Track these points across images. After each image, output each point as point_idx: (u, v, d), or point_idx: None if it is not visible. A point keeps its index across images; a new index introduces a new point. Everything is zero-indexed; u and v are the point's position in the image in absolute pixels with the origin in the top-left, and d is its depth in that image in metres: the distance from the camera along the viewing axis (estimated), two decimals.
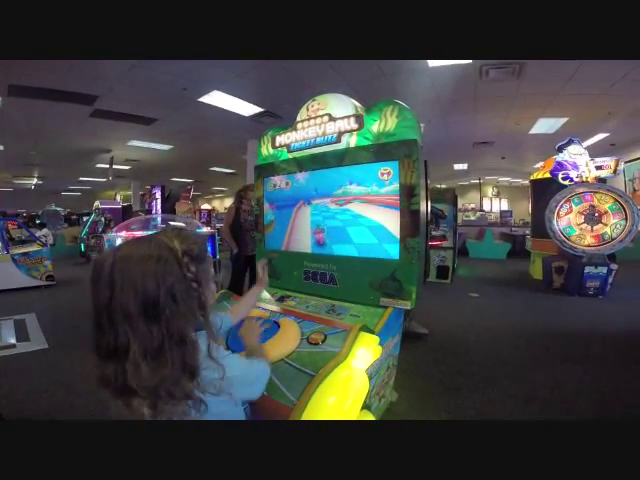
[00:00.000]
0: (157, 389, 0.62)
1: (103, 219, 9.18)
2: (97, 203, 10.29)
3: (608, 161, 5.01)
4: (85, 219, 10.58)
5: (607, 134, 7.22)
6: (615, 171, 4.96)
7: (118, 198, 12.43)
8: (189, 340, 0.66)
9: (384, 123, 1.67)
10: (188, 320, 0.66)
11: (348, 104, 1.82)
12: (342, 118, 1.79)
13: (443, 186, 11.09)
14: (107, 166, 9.48)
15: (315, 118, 1.89)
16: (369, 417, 1.42)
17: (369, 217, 1.73)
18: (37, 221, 11.92)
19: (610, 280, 4.76)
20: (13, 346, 3.09)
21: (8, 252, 5.37)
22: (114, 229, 5.16)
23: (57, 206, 13.19)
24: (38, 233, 8.06)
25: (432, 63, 4.21)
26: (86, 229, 9.09)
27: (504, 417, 1.97)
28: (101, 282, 0.62)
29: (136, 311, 0.60)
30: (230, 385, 0.71)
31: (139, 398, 0.62)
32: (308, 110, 1.93)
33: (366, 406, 1.46)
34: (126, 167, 10.58)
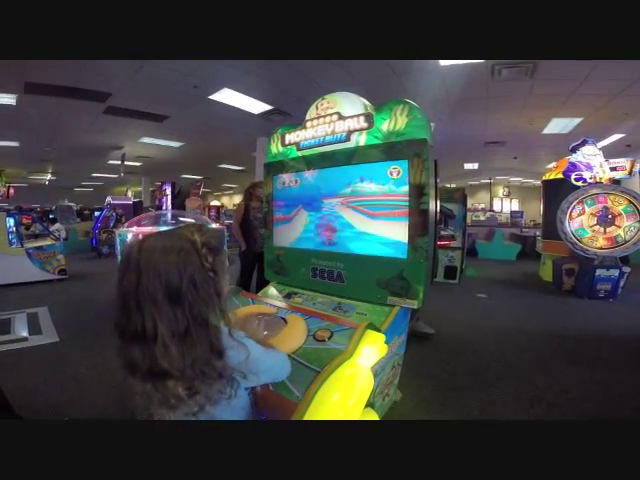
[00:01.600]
0: (192, 369, 0.67)
1: (114, 214, 9.33)
2: (109, 199, 10.44)
3: (623, 162, 4.90)
4: (97, 214, 10.78)
5: (623, 135, 7.07)
6: (631, 172, 4.85)
7: (130, 194, 12.59)
8: (211, 323, 0.71)
9: (394, 122, 1.67)
10: (208, 305, 0.71)
11: (358, 103, 1.81)
12: (352, 117, 1.79)
13: (453, 185, 10.97)
14: (119, 162, 9.64)
15: (325, 117, 1.89)
16: (373, 415, 1.43)
17: (376, 217, 1.73)
18: (50, 216, 12.15)
19: (622, 283, 4.67)
20: (25, 339, 3.16)
21: (23, 246, 5.49)
22: (125, 224, 5.25)
23: (70, 201, 13.42)
24: (51, 227, 8.22)
25: (443, 62, 4.17)
26: (97, 224, 9.24)
27: (508, 417, 1.96)
28: (128, 270, 0.67)
29: (161, 297, 0.65)
30: (255, 365, 0.78)
31: (173, 380, 0.67)
32: (317, 109, 1.94)
33: (370, 404, 1.47)
34: (137, 163, 10.74)
